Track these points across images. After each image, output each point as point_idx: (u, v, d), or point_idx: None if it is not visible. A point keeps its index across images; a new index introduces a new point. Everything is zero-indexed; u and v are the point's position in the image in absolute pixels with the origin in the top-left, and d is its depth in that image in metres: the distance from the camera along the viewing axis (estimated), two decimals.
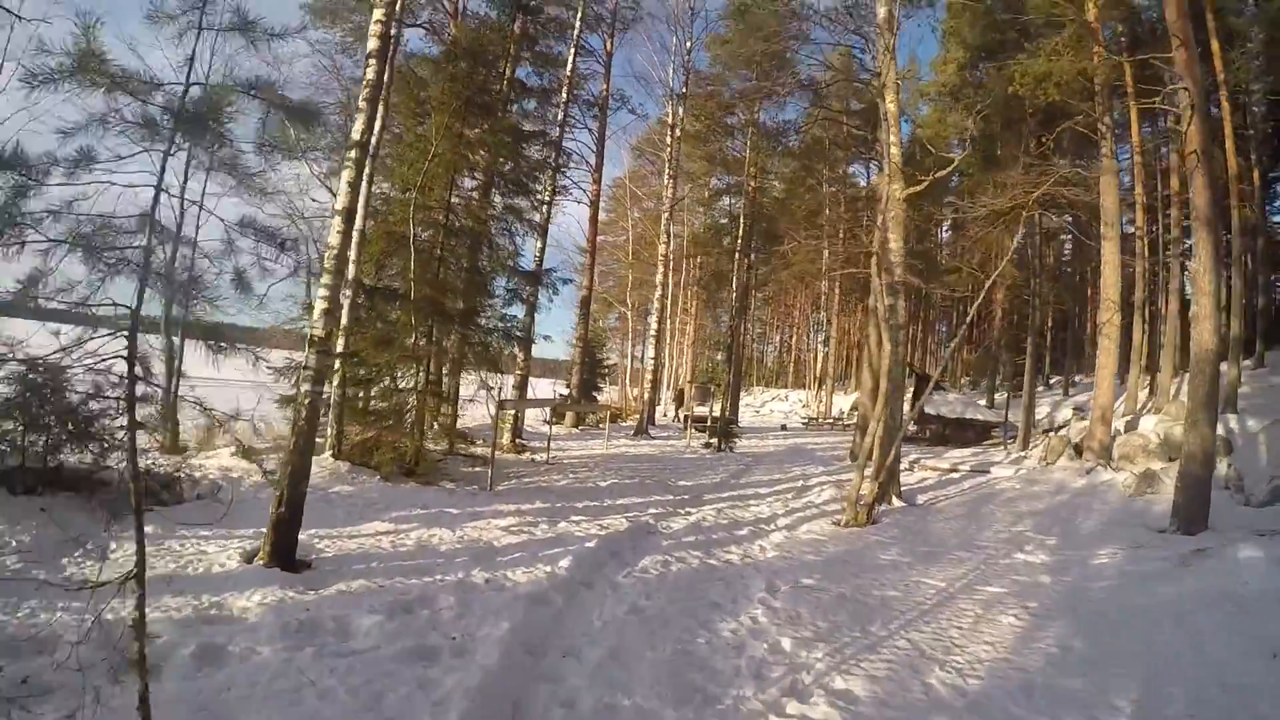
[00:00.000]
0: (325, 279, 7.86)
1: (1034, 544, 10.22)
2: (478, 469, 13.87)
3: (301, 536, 7.44)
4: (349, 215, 8.08)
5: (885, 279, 13.85)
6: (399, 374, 13.51)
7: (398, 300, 13.55)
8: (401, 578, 6.92)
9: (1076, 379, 43.85)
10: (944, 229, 49.28)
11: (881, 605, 7.19)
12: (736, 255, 28.96)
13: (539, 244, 19.96)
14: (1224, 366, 14.16)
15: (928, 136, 28.28)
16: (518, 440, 18.81)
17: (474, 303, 15.79)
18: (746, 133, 32.23)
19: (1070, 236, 32.18)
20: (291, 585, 6.33)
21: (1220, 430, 18.39)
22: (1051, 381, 43.93)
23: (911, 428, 33.94)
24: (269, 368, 12.93)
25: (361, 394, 13.55)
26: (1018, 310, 45.85)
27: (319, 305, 7.82)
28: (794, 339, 65.73)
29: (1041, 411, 30.95)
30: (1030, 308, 27.05)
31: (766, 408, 50.88)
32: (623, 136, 55.56)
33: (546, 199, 20.43)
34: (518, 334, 17.75)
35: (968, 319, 30.80)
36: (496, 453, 17.78)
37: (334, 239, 7.90)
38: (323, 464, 11.83)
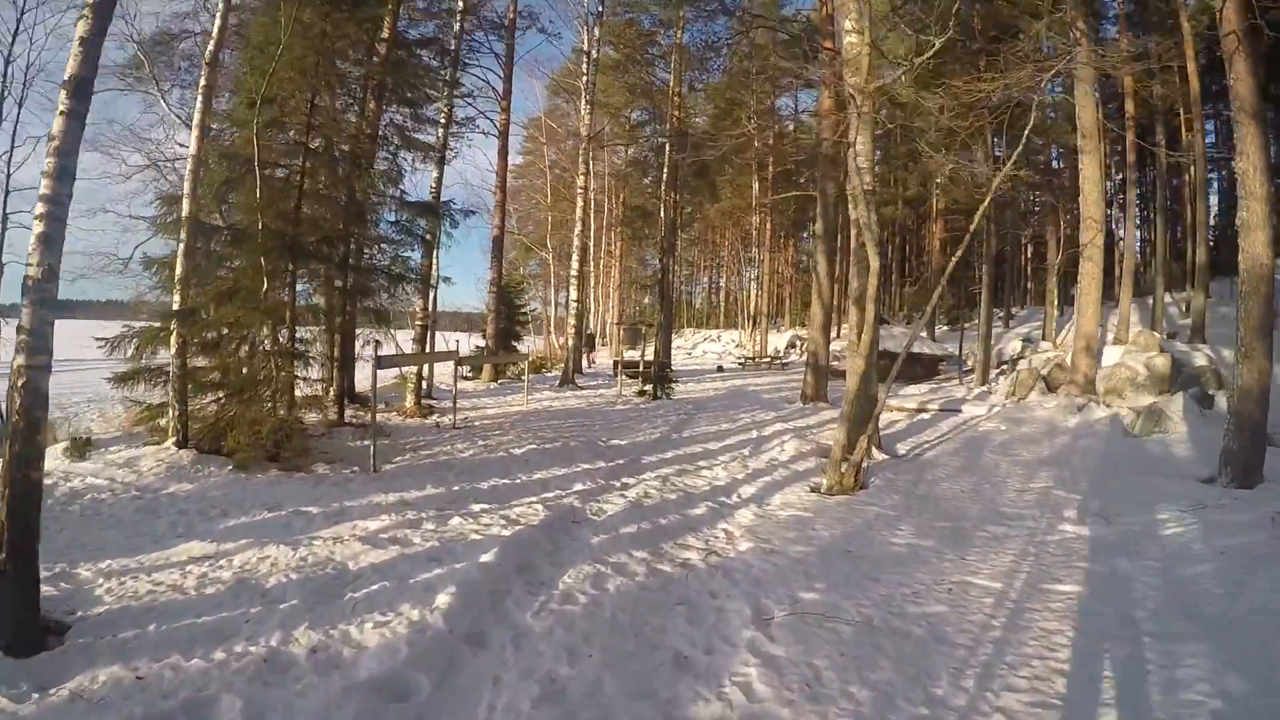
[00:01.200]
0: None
1: (1073, 508, 7.88)
2: (378, 442, 11.12)
3: (84, 572, 5.09)
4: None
5: (856, 186, 11.21)
6: (254, 334, 10.45)
7: (244, 241, 10.37)
8: (182, 653, 4.10)
9: (1014, 311, 42.82)
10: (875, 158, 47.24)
11: (932, 636, 4.61)
12: (663, 186, 26.12)
13: (435, 174, 16.80)
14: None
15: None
16: (423, 402, 15.86)
17: (349, 241, 12.76)
18: (670, 60, 29.20)
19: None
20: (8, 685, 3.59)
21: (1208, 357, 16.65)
22: (974, 317, 42.60)
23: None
24: (98, 340, 10.45)
25: (211, 362, 10.45)
26: (958, 241, 44.38)
27: (35, 230, 4.73)
28: (724, 278, 63.46)
29: (998, 347, 29.21)
30: (985, 234, 24.82)
31: (699, 349, 48.54)
32: (537, 68, 52.06)
33: (443, 121, 17.22)
34: (410, 276, 14.70)
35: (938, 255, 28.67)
36: (398, 419, 15.04)
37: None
38: (161, 456, 9.13)
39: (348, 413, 14.49)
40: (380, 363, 10.31)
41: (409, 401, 15.66)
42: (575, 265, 23.52)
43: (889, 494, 8.57)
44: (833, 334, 32.09)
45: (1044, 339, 29.24)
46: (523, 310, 26.01)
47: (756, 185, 38.85)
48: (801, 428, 14.03)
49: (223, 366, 10.22)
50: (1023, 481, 9.45)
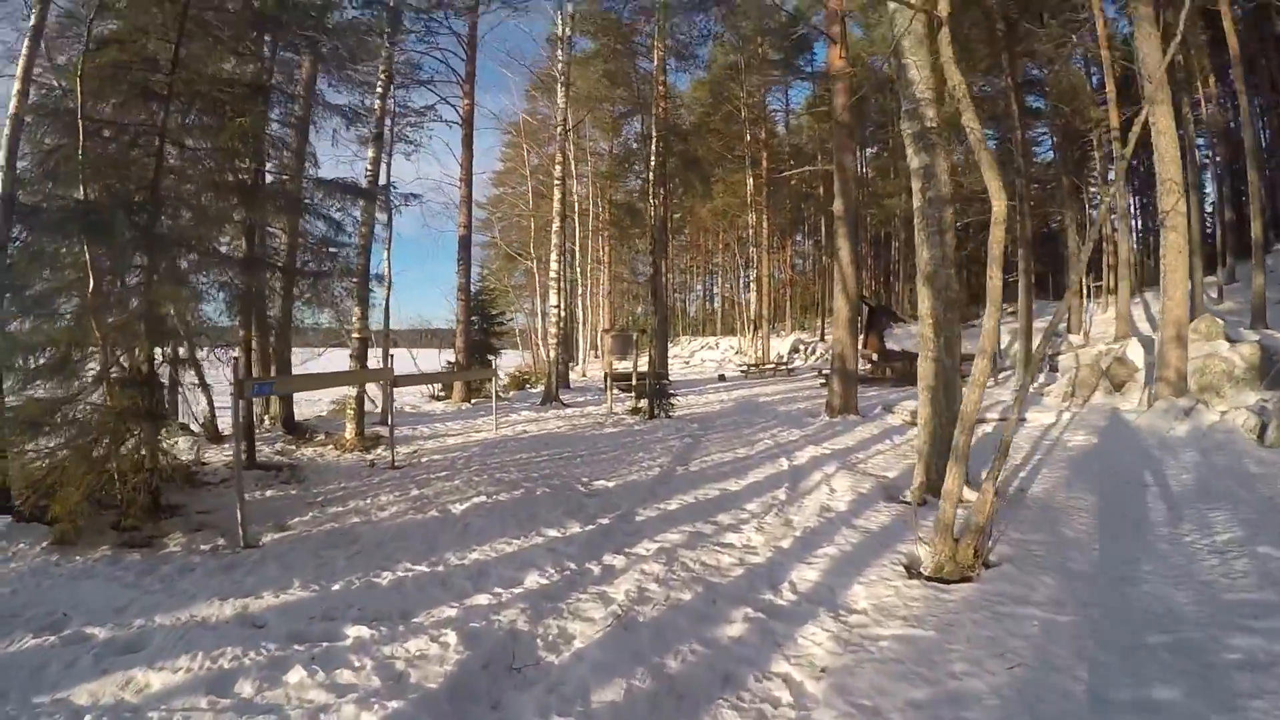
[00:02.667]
0: None
1: None
2: (285, 491, 8.02)
3: None
4: None
5: (912, 127, 7.91)
6: (96, 355, 7.16)
7: (64, 225, 7.03)
8: None
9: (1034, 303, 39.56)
10: (869, 150, 44.24)
11: None
12: (650, 178, 22.85)
13: (371, 153, 13.48)
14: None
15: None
16: (366, 433, 12.50)
17: (251, 232, 9.52)
18: (652, 48, 26.04)
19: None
20: None
21: None
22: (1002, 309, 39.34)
23: (864, 367, 28.77)
24: None
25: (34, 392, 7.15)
26: (973, 230, 41.29)
27: None
28: (720, 283, 60.14)
29: (1004, 341, 26.09)
30: (1018, 214, 21.58)
31: (696, 357, 45.19)
32: (514, 64, 48.89)
33: (380, 85, 13.91)
34: (320, 270, 11.38)
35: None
36: (334, 453, 11.64)
37: None
38: None
39: (269, 449, 11.34)
40: (242, 389, 6.85)
41: (348, 432, 12.36)
42: (554, 267, 20.17)
43: (1036, 576, 5.18)
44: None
45: (1070, 332, 26.16)
46: (499, 321, 22.62)
47: (751, 182, 35.58)
48: (841, 451, 10.70)
49: (44, 404, 6.91)
50: (1202, 533, 6.11)
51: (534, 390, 22.64)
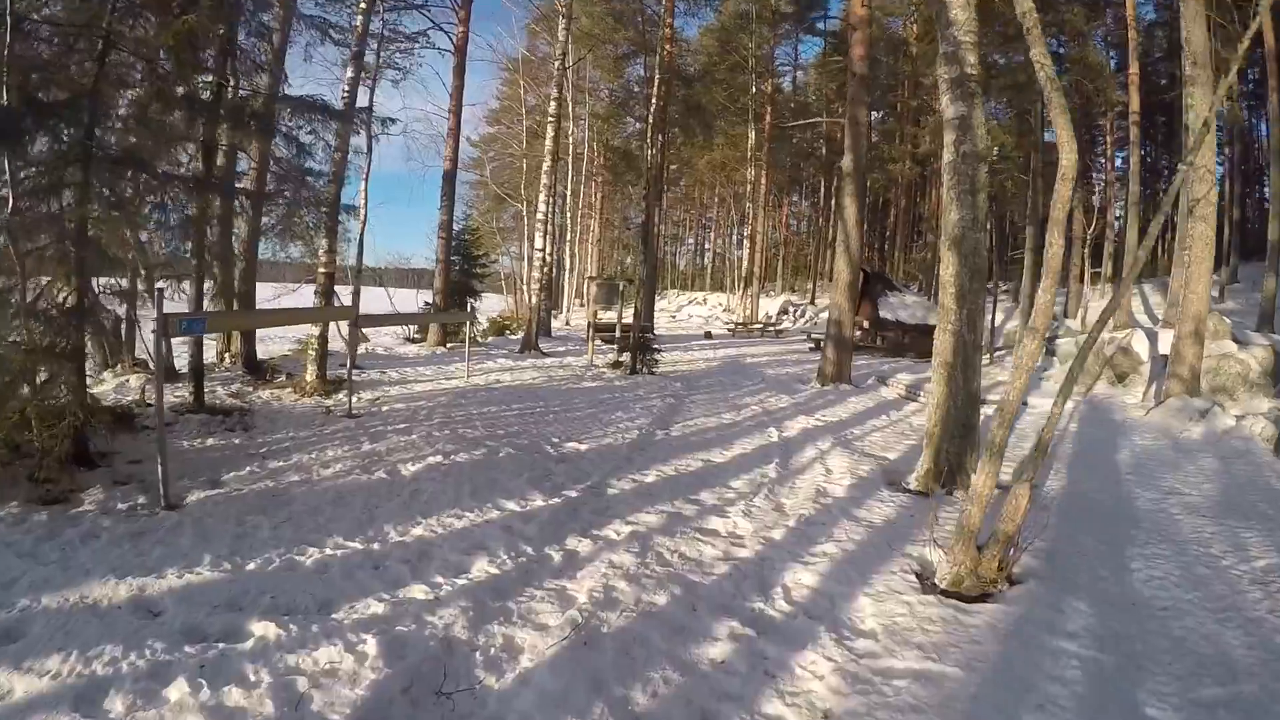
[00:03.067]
0: None
1: None
2: (228, 440, 7.27)
3: None
4: None
5: (950, 72, 6.97)
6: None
7: None
8: None
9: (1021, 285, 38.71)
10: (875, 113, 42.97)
11: None
12: (650, 122, 21.72)
13: (350, 73, 12.35)
14: None
15: None
16: (325, 377, 11.57)
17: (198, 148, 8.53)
18: None
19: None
20: None
21: None
22: (995, 285, 38.61)
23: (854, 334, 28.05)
24: None
25: None
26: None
27: None
28: (712, 238, 59.03)
29: (998, 319, 25.42)
30: (1030, 189, 20.67)
31: (683, 313, 44.29)
32: (517, 12, 47.07)
33: (363, 3, 12.72)
34: (286, 197, 10.40)
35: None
36: (292, 397, 10.74)
37: None
38: None
39: (224, 391, 10.47)
40: (166, 325, 5.90)
41: (309, 374, 11.44)
42: (542, 209, 19.13)
43: (1066, 599, 4.39)
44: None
45: (1067, 316, 25.51)
46: (481, 263, 21.59)
47: (753, 135, 34.33)
48: (835, 424, 9.95)
49: None
50: (1238, 556, 5.38)
51: (514, 337, 21.75)
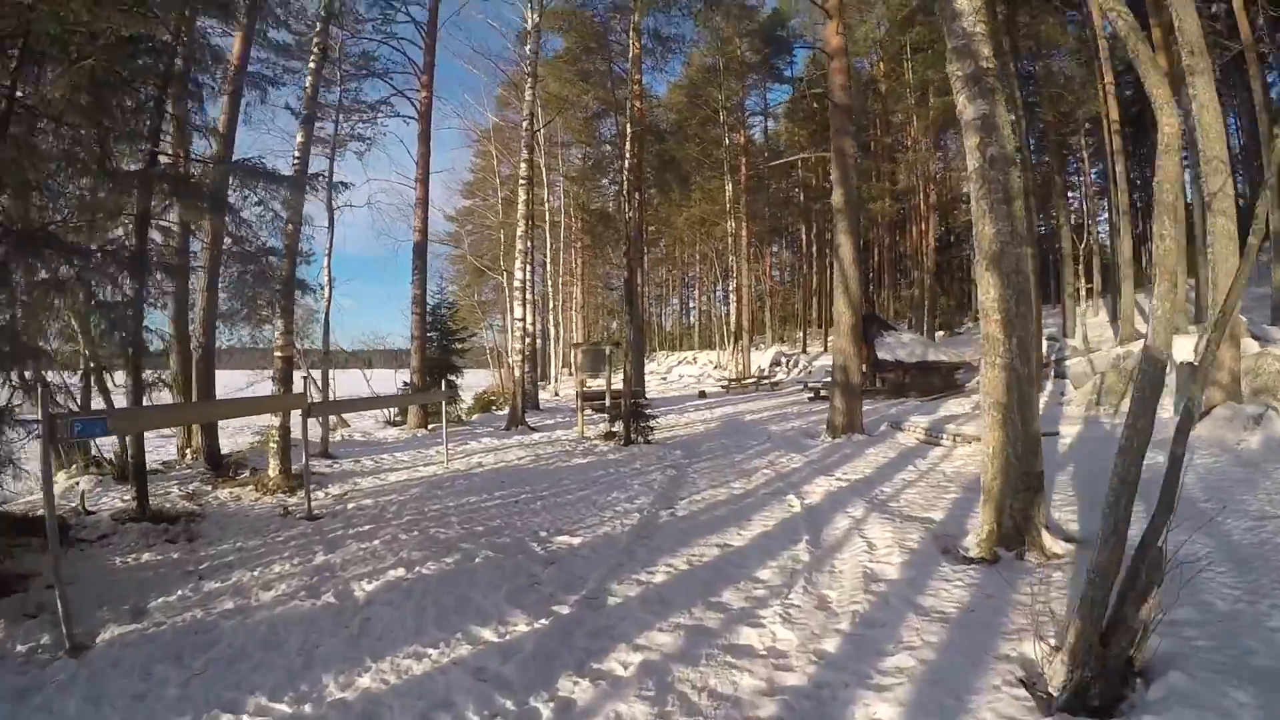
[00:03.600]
0: None
1: None
2: (165, 554, 6.16)
3: None
4: None
5: (963, 68, 6.01)
6: None
7: None
8: None
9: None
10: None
11: None
12: (625, 179, 20.98)
13: (300, 137, 11.45)
14: None
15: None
16: (289, 472, 10.35)
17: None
18: (628, 45, 24.23)
19: None
20: None
21: None
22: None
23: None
24: None
25: None
26: (953, 238, 39.75)
27: None
28: (696, 296, 58.37)
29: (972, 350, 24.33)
30: (1026, 208, 19.82)
31: (674, 373, 43.25)
32: (478, 59, 46.96)
33: (313, 62, 11.88)
34: (239, 273, 9.39)
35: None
36: (252, 495, 9.56)
37: None
38: None
39: (179, 491, 9.37)
40: (54, 429, 4.73)
41: (272, 469, 10.22)
42: (519, 275, 18.13)
43: (1223, 691, 3.22)
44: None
45: (1065, 336, 24.56)
46: (459, 337, 20.49)
47: (730, 187, 33.81)
48: (859, 483, 8.76)
49: None
50: None
51: (500, 412, 20.55)
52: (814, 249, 43.18)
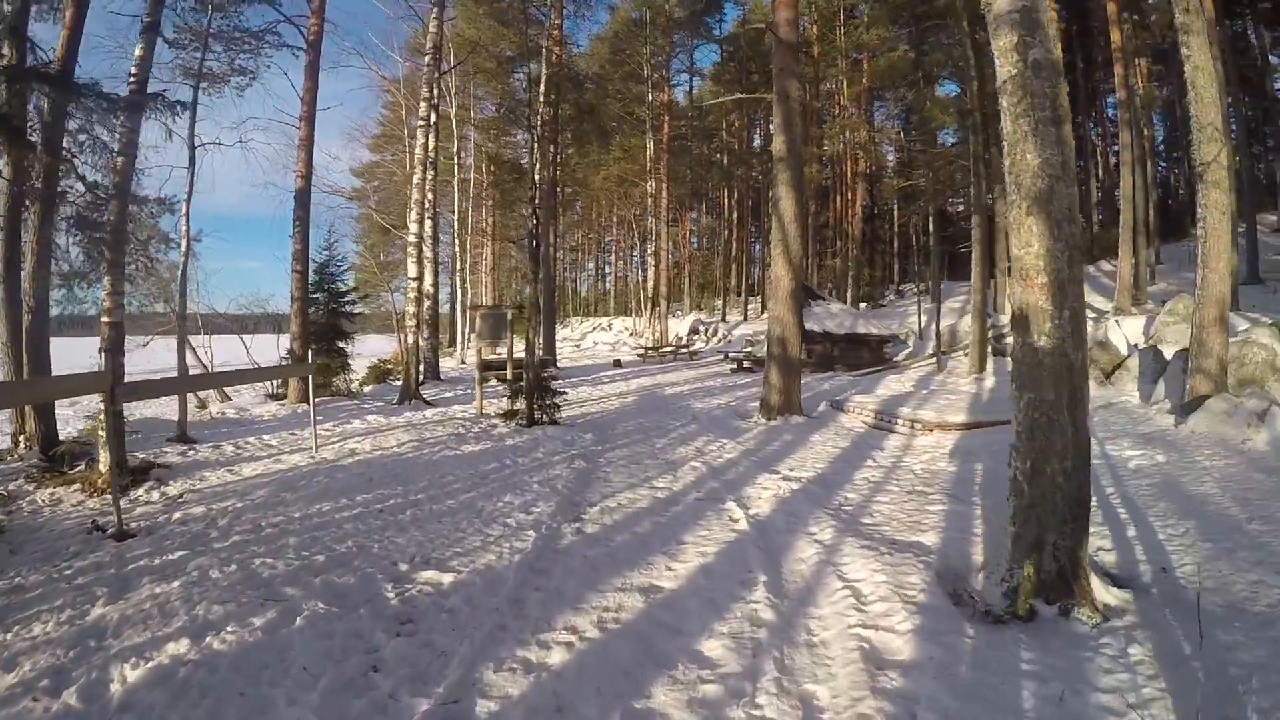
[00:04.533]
0: None
1: None
2: None
3: None
4: None
5: None
6: None
7: None
8: None
9: (903, 287, 37.24)
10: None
11: None
12: (537, 123, 18.78)
13: (140, 48, 9.04)
14: None
15: None
16: (123, 465, 8.09)
17: None
18: None
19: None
20: None
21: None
22: (902, 289, 37.07)
23: (762, 351, 25.65)
24: None
25: None
26: (883, 204, 38.60)
27: None
28: (613, 261, 56.36)
29: (943, 324, 23.48)
30: (972, 174, 18.56)
31: (588, 340, 41.36)
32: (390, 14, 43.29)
33: None
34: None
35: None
36: (77, 496, 7.27)
37: None
38: None
39: None
40: None
41: (103, 463, 8.00)
42: (414, 228, 15.89)
43: None
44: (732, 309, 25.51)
45: (999, 312, 23.67)
46: (349, 299, 18.03)
47: (651, 146, 31.91)
48: (813, 483, 7.07)
49: None
50: None
51: (398, 383, 18.29)
52: (735, 215, 41.70)
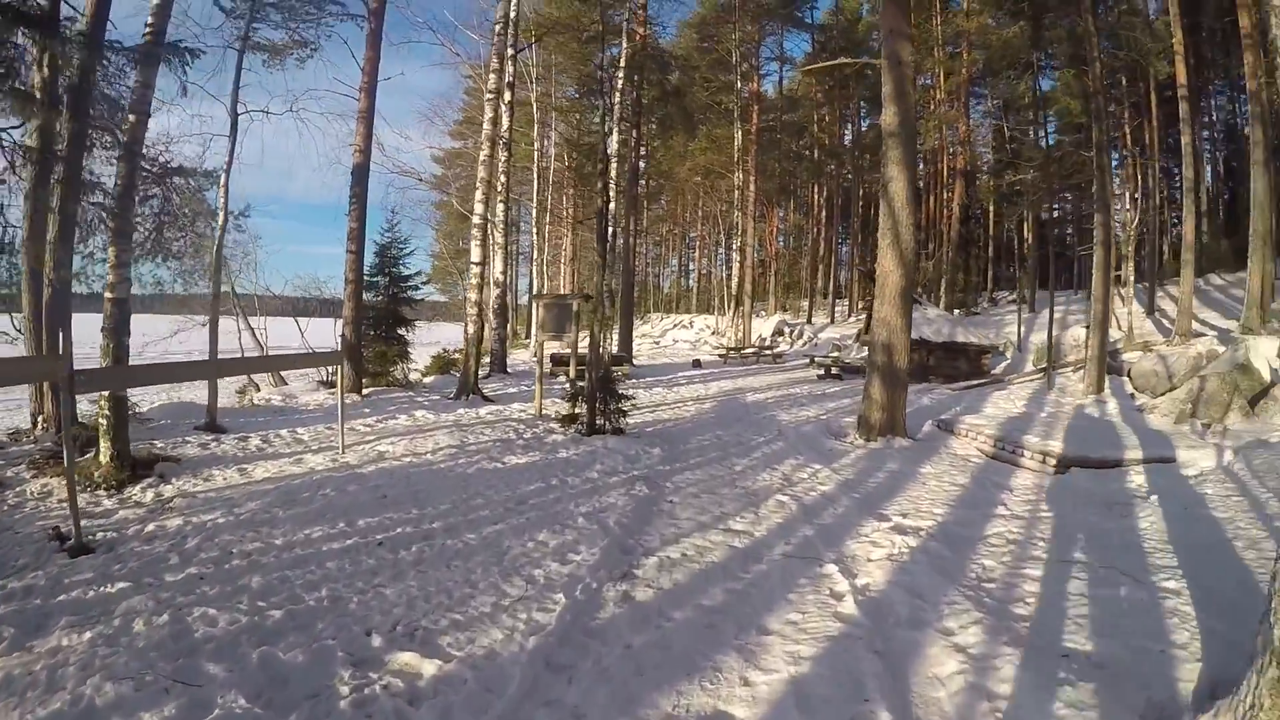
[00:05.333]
0: None
1: None
2: None
3: None
4: None
5: None
6: None
7: None
8: None
9: (996, 295, 34.48)
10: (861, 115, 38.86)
11: None
12: (617, 97, 17.39)
13: None
14: None
15: None
16: (124, 458, 7.03)
17: None
18: None
19: None
20: None
21: None
22: (995, 297, 34.45)
23: (855, 356, 23.73)
24: None
25: None
26: (983, 204, 35.98)
27: None
28: (697, 256, 54.75)
29: (1040, 336, 21.24)
30: (1095, 166, 16.40)
31: (667, 337, 39.92)
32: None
33: None
34: None
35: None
36: (63, 492, 6.18)
37: None
38: None
39: None
40: None
41: (103, 453, 6.95)
42: (479, 209, 14.68)
43: None
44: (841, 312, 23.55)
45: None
46: (412, 284, 16.89)
47: (739, 136, 30.22)
48: (940, 542, 5.37)
49: None
50: None
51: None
52: (824, 214, 39.66)
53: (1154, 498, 6.48)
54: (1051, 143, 30.98)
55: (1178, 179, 33.88)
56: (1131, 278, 23.24)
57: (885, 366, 9.40)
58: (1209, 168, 31.83)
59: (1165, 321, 20.70)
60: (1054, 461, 7.70)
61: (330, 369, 15.90)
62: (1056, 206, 36.57)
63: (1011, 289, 33.55)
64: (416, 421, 10.80)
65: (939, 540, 5.31)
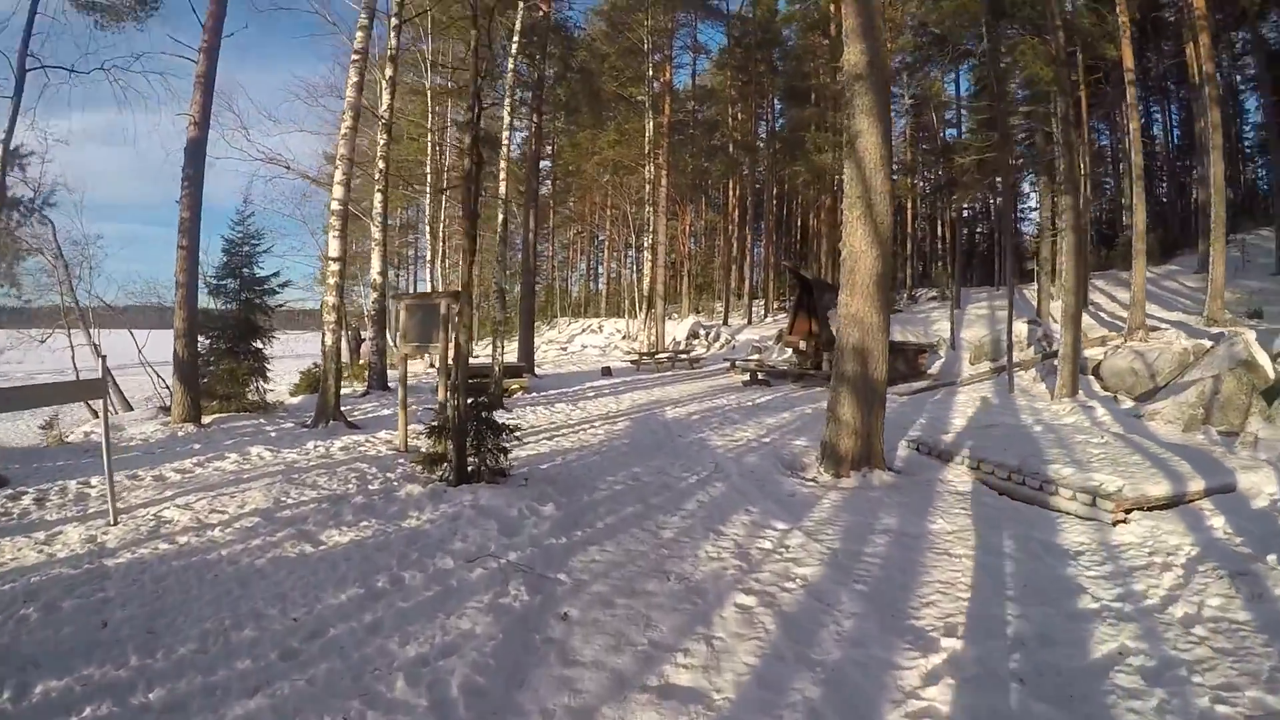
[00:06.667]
0: None
1: None
2: None
3: None
4: None
5: None
6: None
7: None
8: None
9: (916, 292, 33.25)
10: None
11: None
12: (510, 63, 14.74)
13: None
14: None
15: None
16: None
17: None
18: None
19: None
20: None
21: None
22: (915, 294, 33.07)
23: (784, 357, 21.76)
24: None
25: None
26: (900, 199, 34.43)
27: None
28: (606, 259, 52.29)
29: (973, 333, 19.70)
30: (1061, 143, 14.69)
31: (576, 342, 37.23)
32: None
33: None
34: None
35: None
36: None
37: None
38: None
39: None
40: None
41: None
42: (337, 192, 11.78)
43: None
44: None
45: (1040, 319, 19.84)
46: (268, 288, 13.74)
47: (650, 127, 27.98)
48: (1011, 680, 3.00)
49: None
50: None
51: (345, 390, 13.99)
52: (738, 211, 37.77)
53: (1271, 558, 4.34)
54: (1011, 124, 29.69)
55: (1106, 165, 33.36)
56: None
57: (858, 378, 7.01)
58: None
59: (1103, 314, 19.36)
60: (1110, 505, 5.46)
61: (166, 393, 12.81)
62: (976, 200, 35.82)
63: (930, 286, 32.26)
64: (248, 462, 7.98)
65: (1032, 697, 2.92)
